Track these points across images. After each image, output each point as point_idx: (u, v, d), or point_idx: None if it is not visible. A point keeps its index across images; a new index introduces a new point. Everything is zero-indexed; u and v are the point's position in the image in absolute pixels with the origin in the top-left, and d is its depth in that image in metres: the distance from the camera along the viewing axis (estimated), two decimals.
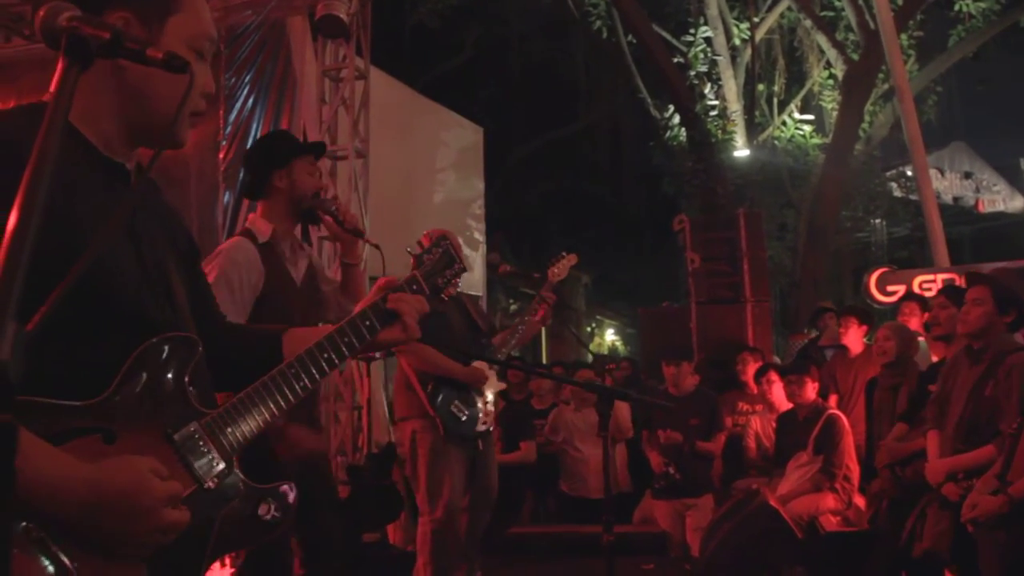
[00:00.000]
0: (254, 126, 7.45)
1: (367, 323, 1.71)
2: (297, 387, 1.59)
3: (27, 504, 1.15)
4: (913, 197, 15.66)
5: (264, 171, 3.36)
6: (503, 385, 5.00)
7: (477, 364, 4.61)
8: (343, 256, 3.59)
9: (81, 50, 1.04)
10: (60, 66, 1.05)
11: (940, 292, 4.68)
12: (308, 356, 1.62)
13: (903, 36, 13.80)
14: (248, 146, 6.54)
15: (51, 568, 1.20)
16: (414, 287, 1.85)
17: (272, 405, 1.55)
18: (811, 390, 5.89)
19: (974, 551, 3.54)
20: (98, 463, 1.26)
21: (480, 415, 4.67)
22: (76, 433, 1.29)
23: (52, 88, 1.04)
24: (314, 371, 1.62)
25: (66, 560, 1.21)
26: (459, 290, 4.90)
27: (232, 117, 7.51)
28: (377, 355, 6.45)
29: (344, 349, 1.67)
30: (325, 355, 1.64)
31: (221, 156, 7.52)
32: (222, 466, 1.45)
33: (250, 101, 7.51)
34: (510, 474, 6.56)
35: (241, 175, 2.99)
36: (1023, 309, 3.73)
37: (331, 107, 7.05)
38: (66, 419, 1.29)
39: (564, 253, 5.05)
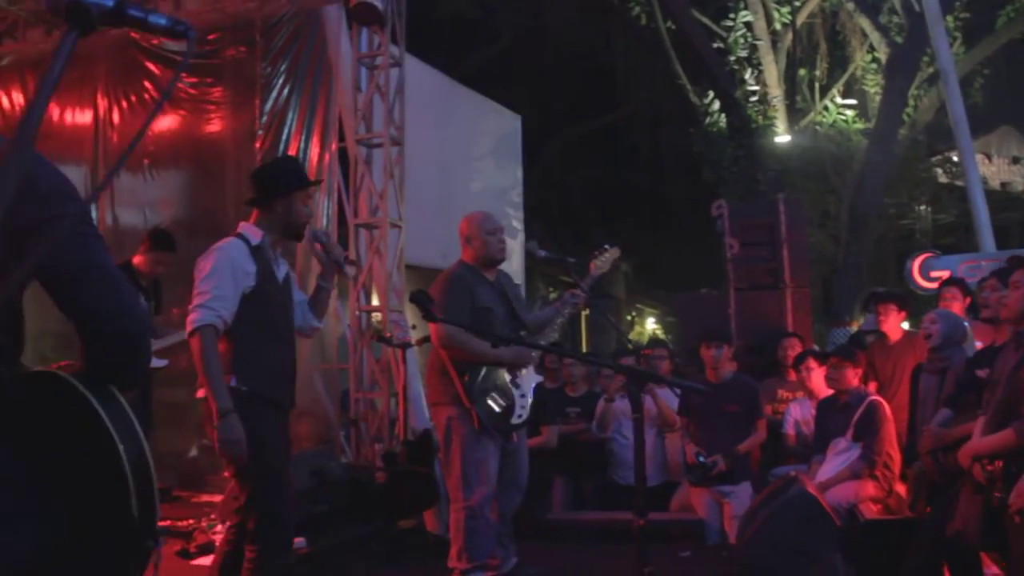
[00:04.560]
0: (290, 115, 7.47)
1: None
2: None
3: None
4: (959, 183, 15.37)
5: (266, 195, 3.72)
6: (540, 379, 4.96)
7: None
8: (320, 277, 3.94)
9: (82, 17, 1.03)
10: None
11: (992, 274, 4.59)
12: None
13: (949, 18, 13.52)
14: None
15: None
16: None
17: None
18: (852, 376, 5.77)
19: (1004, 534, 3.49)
20: None
21: (516, 408, 4.67)
22: None
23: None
24: None
25: None
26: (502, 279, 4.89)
27: (268, 106, 7.55)
28: (413, 342, 6.45)
29: None
30: None
31: (257, 146, 7.57)
32: None
33: (286, 90, 7.54)
34: (536, 460, 6.51)
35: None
36: None
37: (366, 95, 7.05)
38: None
39: (607, 246, 4.96)
